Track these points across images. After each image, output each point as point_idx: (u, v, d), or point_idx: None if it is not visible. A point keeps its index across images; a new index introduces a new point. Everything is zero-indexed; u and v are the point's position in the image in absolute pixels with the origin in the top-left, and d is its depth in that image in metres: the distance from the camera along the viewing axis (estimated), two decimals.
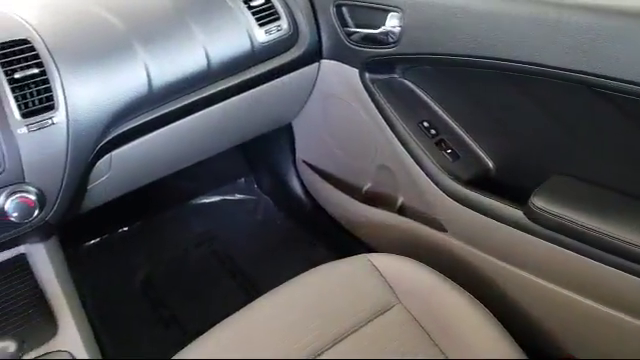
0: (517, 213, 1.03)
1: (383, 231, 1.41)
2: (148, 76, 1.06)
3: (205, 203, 1.86)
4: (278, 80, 1.29)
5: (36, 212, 0.93)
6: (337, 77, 1.33)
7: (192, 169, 1.45)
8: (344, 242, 1.59)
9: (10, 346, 0.79)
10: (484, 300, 0.98)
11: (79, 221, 1.27)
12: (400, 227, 1.35)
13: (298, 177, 1.73)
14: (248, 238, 1.75)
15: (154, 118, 1.11)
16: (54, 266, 1.08)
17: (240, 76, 1.21)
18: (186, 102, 1.14)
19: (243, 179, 1.92)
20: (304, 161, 1.66)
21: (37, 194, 0.93)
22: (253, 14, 1.21)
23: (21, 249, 1.09)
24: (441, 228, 1.24)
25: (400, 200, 1.37)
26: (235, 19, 1.19)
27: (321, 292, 1.01)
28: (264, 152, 1.80)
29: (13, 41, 0.94)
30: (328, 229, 1.65)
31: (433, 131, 1.21)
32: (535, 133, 1.09)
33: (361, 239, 1.55)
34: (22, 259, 1.09)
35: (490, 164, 1.21)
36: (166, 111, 1.12)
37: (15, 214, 0.91)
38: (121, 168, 1.13)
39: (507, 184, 1.18)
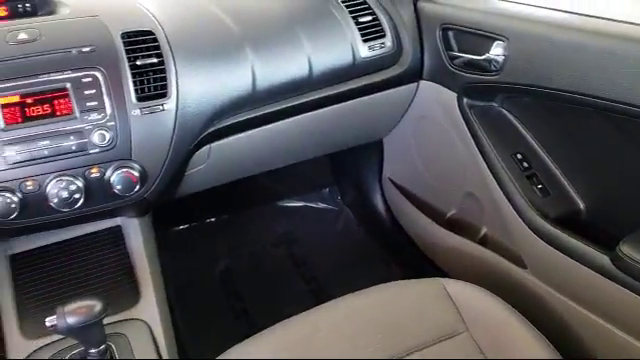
0: (603, 258, 0.98)
1: (461, 259, 1.39)
2: (253, 77, 1.12)
3: (288, 206, 1.92)
4: (375, 95, 1.32)
5: (137, 187, 1.01)
6: (434, 99, 1.34)
7: (281, 172, 1.50)
8: (419, 264, 1.58)
9: (96, 306, 0.86)
10: (557, 343, 0.94)
11: (172, 206, 1.35)
12: (479, 257, 1.32)
13: (382, 194, 1.74)
14: (325, 247, 1.78)
15: (253, 117, 1.17)
16: (145, 241, 1.16)
17: (338, 87, 1.25)
18: (284, 106, 1.19)
19: (327, 189, 1.96)
20: (390, 179, 1.67)
21: (140, 171, 1.01)
22: (359, 29, 1.25)
23: (117, 221, 1.18)
24: (521, 264, 1.20)
25: (483, 230, 1.34)
26: (341, 33, 1.23)
27: (389, 307, 1.01)
28: (352, 165, 1.83)
29: (139, 31, 1.03)
30: (405, 249, 1.64)
31: (526, 164, 1.18)
32: (632, 177, 1.04)
33: (437, 263, 1.53)
34: (117, 230, 1.18)
35: (581, 204, 1.16)
36: (265, 112, 1.18)
37: (119, 186, 0.99)
38: (218, 160, 1.19)
39: (596, 227, 1.12)
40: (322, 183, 1.97)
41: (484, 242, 1.34)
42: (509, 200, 1.18)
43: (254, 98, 1.13)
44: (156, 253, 1.20)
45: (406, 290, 1.06)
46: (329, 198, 1.95)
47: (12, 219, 0.94)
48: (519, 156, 1.19)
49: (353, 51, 1.23)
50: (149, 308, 1.06)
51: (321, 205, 1.94)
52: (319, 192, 1.96)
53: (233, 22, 1.14)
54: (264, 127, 1.20)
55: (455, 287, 1.03)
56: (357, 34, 1.24)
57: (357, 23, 1.25)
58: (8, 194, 0.93)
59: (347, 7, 1.26)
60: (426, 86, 1.34)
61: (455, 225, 1.44)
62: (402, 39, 1.30)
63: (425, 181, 1.52)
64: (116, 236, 1.17)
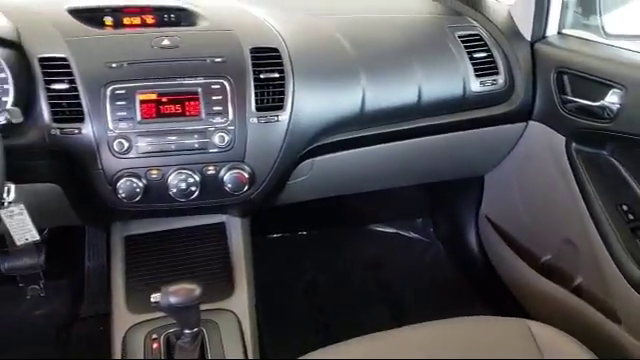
0: None
1: (551, 304, 1.35)
2: (363, 100, 1.18)
3: (380, 231, 1.95)
4: (481, 130, 1.33)
5: (245, 187, 1.09)
6: (542, 141, 1.32)
7: (376, 196, 1.54)
8: (505, 304, 1.55)
9: (196, 290, 0.93)
10: None
11: (269, 214, 1.43)
12: (570, 305, 1.28)
13: (477, 231, 1.72)
14: (411, 275, 1.79)
15: (358, 137, 1.22)
16: (244, 241, 1.25)
17: (445, 118, 1.28)
18: (390, 130, 1.24)
19: (421, 219, 1.97)
20: (487, 217, 1.66)
21: (250, 173, 1.09)
22: (473, 64, 1.27)
23: (222, 218, 1.28)
24: (615, 318, 1.15)
25: (578, 279, 1.30)
26: (455, 66, 1.27)
27: (470, 339, 1.01)
28: (449, 199, 1.83)
29: (266, 48, 1.13)
30: (493, 287, 1.61)
31: (631, 216, 1.14)
32: None
33: (524, 306, 1.49)
34: (221, 227, 1.27)
35: None
36: (370, 133, 1.23)
37: (230, 185, 1.08)
38: (319, 174, 1.26)
39: None
40: (416, 213, 1.98)
41: (577, 291, 1.29)
42: (609, 251, 1.14)
43: (362, 119, 1.19)
44: (251, 254, 1.27)
45: (489, 326, 1.05)
46: (421, 229, 1.96)
47: (135, 202, 1.06)
48: (625, 207, 1.15)
49: (464, 84, 1.26)
50: (240, 302, 1.13)
51: (412, 235, 1.95)
52: (412, 221, 1.97)
53: (351, 46, 1.21)
54: (367, 148, 1.25)
55: (541, 330, 1.01)
56: (470, 69, 1.27)
57: (471, 58, 1.28)
58: (135, 179, 1.04)
59: (463, 42, 1.29)
60: (535, 127, 1.33)
61: (549, 270, 1.40)
62: (515, 78, 1.30)
63: (523, 223, 1.49)
64: (219, 232, 1.26)
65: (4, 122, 0.89)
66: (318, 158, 1.22)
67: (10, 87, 1.01)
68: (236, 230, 1.26)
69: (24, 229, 1.03)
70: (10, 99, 1.01)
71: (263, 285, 1.38)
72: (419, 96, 1.22)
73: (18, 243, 1.03)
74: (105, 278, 1.62)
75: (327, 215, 1.85)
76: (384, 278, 1.77)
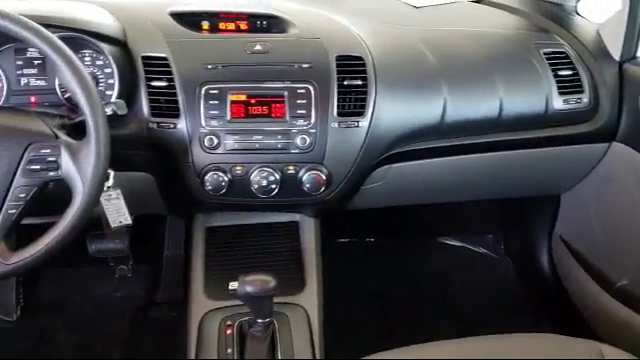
0: None
1: (624, 330, 1.31)
2: (444, 111, 1.20)
3: (449, 244, 1.95)
4: (561, 149, 1.31)
5: (322, 188, 1.14)
6: (625, 163, 1.29)
7: (448, 208, 1.54)
8: (575, 328, 1.51)
9: (271, 282, 0.99)
10: None
11: (340, 218, 1.47)
12: None
13: (549, 251, 1.69)
14: (479, 291, 1.78)
15: (435, 147, 1.24)
16: (316, 240, 1.29)
17: (525, 134, 1.27)
18: (468, 142, 1.25)
19: (492, 235, 1.95)
20: (561, 237, 1.62)
21: (327, 175, 1.14)
22: (557, 82, 1.26)
23: (296, 217, 1.33)
24: None
25: None
26: (538, 82, 1.26)
27: (536, 355, 1.00)
28: (522, 216, 1.81)
29: (352, 56, 1.17)
30: (563, 310, 1.58)
31: None
32: None
33: (596, 331, 1.45)
34: (295, 225, 1.32)
35: None
36: (447, 144, 1.25)
37: (308, 185, 1.13)
38: (393, 181, 1.29)
39: None
40: (487, 229, 1.96)
41: None
42: None
43: (440, 130, 1.21)
44: (322, 253, 1.32)
45: (559, 344, 1.03)
46: (491, 245, 1.94)
47: (220, 195, 1.13)
48: None
49: (547, 101, 1.25)
50: (310, 298, 1.17)
51: (482, 250, 1.93)
52: (482, 237, 1.96)
53: (434, 57, 1.23)
54: (444, 158, 1.27)
55: (613, 354, 0.99)
56: (554, 86, 1.26)
57: (556, 75, 1.27)
58: (221, 173, 1.11)
59: (548, 59, 1.29)
60: (618, 148, 1.30)
61: (625, 295, 1.35)
62: (600, 97, 1.28)
63: (599, 245, 1.46)
64: (293, 230, 1.31)
65: (110, 113, 0.97)
66: (394, 165, 1.25)
67: (115, 82, 1.11)
68: (309, 229, 1.31)
69: (119, 213, 1.11)
70: (115, 93, 1.11)
71: (330, 287, 1.42)
72: (500, 110, 1.23)
73: (112, 225, 1.12)
74: (181, 267, 1.72)
75: (397, 224, 1.87)
76: (450, 290, 1.76)
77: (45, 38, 0.88)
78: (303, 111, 1.12)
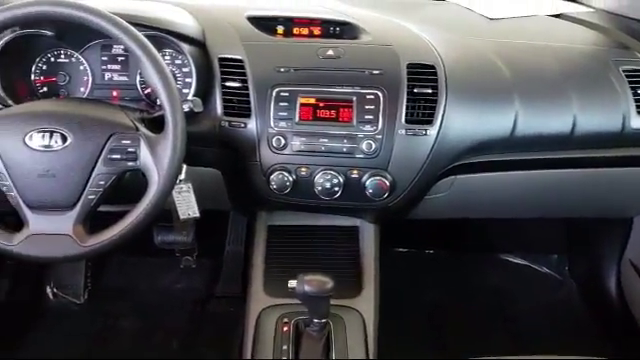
0: None
1: None
2: (514, 124, 1.18)
3: (511, 262, 1.90)
4: (636, 170, 1.26)
5: (385, 195, 1.14)
6: None
7: (512, 223, 1.51)
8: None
9: (329, 283, 1.00)
10: None
11: (400, 226, 1.46)
12: None
13: (617, 275, 1.62)
14: (539, 311, 1.73)
15: (503, 160, 1.23)
16: (375, 246, 1.30)
17: (598, 152, 1.23)
18: (536, 157, 1.23)
19: (556, 255, 1.89)
20: (632, 262, 1.55)
21: (391, 182, 1.14)
22: (636, 100, 1.21)
23: (357, 222, 1.33)
24: None
25: None
26: (615, 100, 1.22)
27: None
28: (590, 237, 1.74)
29: (423, 64, 1.17)
30: (630, 337, 1.51)
31: None
32: None
33: None
34: (355, 230, 1.33)
35: None
36: (516, 158, 1.23)
37: (371, 190, 1.14)
38: (458, 192, 1.27)
39: None
40: (552, 248, 1.90)
41: None
42: None
43: (510, 143, 1.19)
44: (379, 260, 1.32)
45: None
46: (555, 265, 1.88)
47: (284, 194, 1.15)
48: None
49: (624, 120, 1.20)
50: (367, 303, 1.18)
51: (545, 270, 1.88)
52: (546, 256, 1.90)
53: (507, 69, 1.22)
54: (512, 173, 1.25)
55: None
56: (632, 105, 1.21)
57: (635, 94, 1.22)
58: (286, 173, 1.14)
59: (628, 76, 1.24)
60: None
61: None
62: None
63: None
64: (352, 234, 1.32)
65: (187, 110, 1.02)
66: (460, 176, 1.24)
67: (193, 81, 1.16)
68: (368, 235, 1.31)
69: (188, 205, 1.16)
70: (191, 92, 1.15)
71: (385, 294, 1.42)
72: (573, 127, 1.19)
73: (181, 217, 1.17)
74: (241, 263, 1.76)
75: (458, 237, 1.85)
76: (509, 308, 1.72)
77: (132, 36, 0.93)
78: (371, 117, 1.13)
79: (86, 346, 1.63)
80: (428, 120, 1.14)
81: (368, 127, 1.13)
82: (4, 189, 0.94)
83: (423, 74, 1.16)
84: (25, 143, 0.93)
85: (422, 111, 1.14)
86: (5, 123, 0.94)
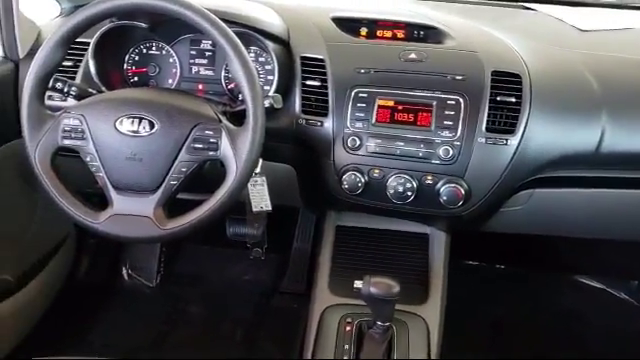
0: None
1: None
2: (600, 140, 1.13)
3: (586, 284, 1.81)
4: None
5: (459, 203, 1.12)
6: None
7: (590, 243, 1.44)
8: None
9: (395, 287, 0.99)
10: None
11: (472, 238, 1.43)
12: None
13: None
14: (613, 338, 1.64)
15: (586, 177, 1.17)
16: (444, 256, 1.28)
17: None
18: (621, 175, 1.17)
19: (637, 282, 1.78)
20: None
21: (467, 190, 1.12)
22: None
23: (427, 230, 1.32)
24: None
25: None
26: None
27: None
28: None
29: (508, 73, 1.14)
30: None
31: None
32: None
33: None
34: (424, 237, 1.32)
35: None
36: (598, 175, 1.17)
37: (445, 197, 1.12)
38: (535, 207, 1.23)
39: None
40: (632, 274, 1.80)
41: None
42: None
43: (594, 159, 1.14)
44: (447, 269, 1.29)
45: None
46: (635, 292, 1.78)
47: (355, 195, 1.16)
48: None
49: None
50: (433, 312, 1.16)
51: (623, 295, 1.78)
52: (626, 282, 1.80)
53: (597, 83, 1.16)
54: (594, 190, 1.19)
55: None
56: None
57: None
58: (359, 174, 1.14)
59: None
60: None
61: None
62: None
63: None
64: (422, 242, 1.31)
65: (267, 106, 1.04)
66: (538, 190, 1.20)
67: (275, 78, 1.18)
68: (439, 244, 1.30)
69: (262, 198, 1.18)
70: (273, 88, 1.18)
71: (450, 306, 1.39)
72: None
73: (254, 210, 1.20)
74: (307, 261, 1.78)
75: (531, 253, 1.78)
76: (580, 332, 1.64)
77: (222, 31, 0.97)
78: (450, 122, 1.11)
79: (155, 328, 1.70)
80: (510, 130, 1.11)
81: (447, 133, 1.11)
82: (93, 169, 1.00)
83: (508, 82, 1.13)
84: (116, 127, 0.98)
85: (504, 120, 1.11)
86: (99, 108, 1.00)
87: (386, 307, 1.02)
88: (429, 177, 1.13)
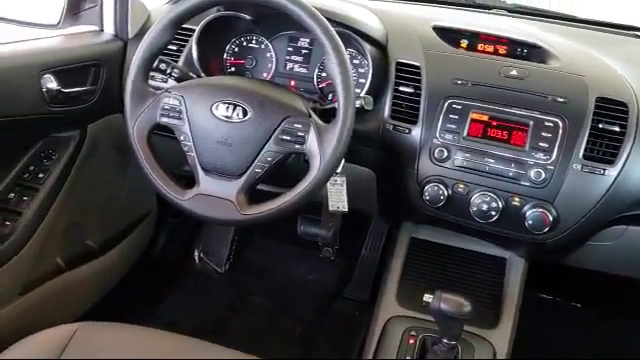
0: None
1: None
2: None
3: None
4: None
5: (545, 230, 1.07)
6: None
7: None
8: None
9: (467, 306, 0.96)
10: None
11: (551, 269, 1.36)
12: None
13: None
14: None
15: None
16: (520, 284, 1.22)
17: None
18: None
19: None
20: None
21: (554, 217, 1.06)
22: None
23: (506, 254, 1.27)
24: None
25: None
26: None
27: None
28: None
29: (614, 100, 1.08)
30: None
31: None
32: None
33: None
34: (502, 262, 1.27)
35: None
36: None
37: (530, 222, 1.07)
38: (627, 245, 1.16)
39: None
40: None
41: None
42: None
43: None
44: (522, 298, 1.24)
45: None
46: None
47: (435, 207, 1.13)
48: None
49: None
50: (502, 339, 1.12)
51: None
52: None
53: None
54: None
55: None
56: None
57: None
58: (442, 187, 1.11)
59: None
60: None
61: None
62: None
63: None
64: (498, 266, 1.26)
65: (358, 106, 1.04)
66: (632, 228, 1.12)
67: (367, 81, 1.18)
68: (516, 270, 1.25)
69: (339, 199, 1.18)
70: (364, 90, 1.17)
71: (522, 338, 1.33)
72: None
73: (330, 209, 1.19)
74: (374, 270, 1.76)
75: (614, 295, 1.67)
76: None
77: (325, 28, 0.97)
78: (546, 145, 1.07)
79: (219, 313, 1.73)
80: (609, 160, 1.04)
81: (540, 155, 1.07)
82: (185, 149, 1.03)
83: (613, 110, 1.07)
84: (211, 111, 1.01)
85: (604, 149, 1.05)
86: (198, 91, 1.04)
87: (454, 325, 0.99)
88: (516, 198, 1.08)
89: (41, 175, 1.28)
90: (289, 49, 1.31)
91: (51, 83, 1.20)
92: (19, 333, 0.98)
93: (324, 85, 1.28)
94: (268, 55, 1.31)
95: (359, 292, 1.78)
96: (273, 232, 1.94)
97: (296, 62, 1.30)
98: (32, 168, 1.28)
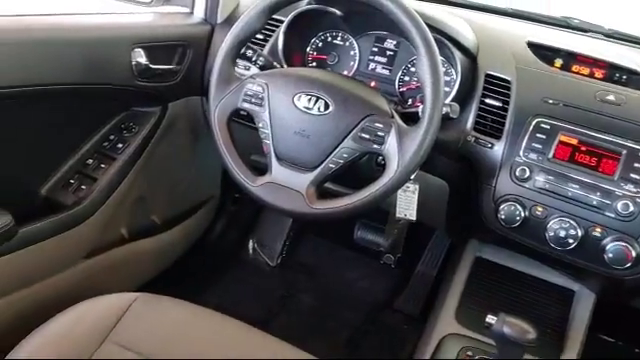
0: None
1: None
2: None
3: None
4: None
5: (626, 265, 1.01)
6: None
7: None
8: None
9: (531, 334, 0.90)
10: None
11: (615, 311, 1.28)
12: None
13: None
14: None
15: None
16: (588, 318, 1.16)
17: None
18: None
19: None
20: None
21: (638, 254, 1.00)
22: None
23: (575, 286, 1.21)
24: None
25: None
26: None
27: None
28: None
29: None
30: None
31: None
32: None
33: None
34: (570, 293, 1.22)
35: None
36: None
37: (610, 255, 1.01)
38: None
39: None
40: None
41: None
42: None
43: None
44: (586, 335, 1.17)
45: None
46: None
47: (509, 228, 1.08)
48: None
49: None
50: None
51: None
52: None
53: None
54: None
55: None
56: None
57: None
58: (519, 206, 1.07)
59: None
60: None
61: None
62: None
63: None
64: (566, 297, 1.21)
65: (443, 113, 1.01)
66: None
67: (453, 90, 1.14)
68: (585, 305, 1.19)
69: (408, 206, 1.15)
70: (449, 98, 1.14)
71: None
72: None
73: (397, 215, 1.17)
74: (427, 286, 1.72)
75: None
76: None
77: (421, 30, 0.95)
78: (637, 176, 1.01)
79: (266, 306, 1.73)
80: None
81: (631, 187, 1.01)
82: (262, 136, 1.03)
83: None
84: (293, 101, 1.00)
85: None
86: (282, 80, 1.03)
87: (515, 351, 0.94)
88: (598, 229, 1.03)
89: (120, 145, 1.31)
90: (374, 49, 1.29)
91: (141, 58, 1.23)
92: (80, 295, 1.00)
93: (405, 89, 1.25)
94: (352, 53, 1.30)
95: (410, 306, 1.74)
96: (329, 234, 1.92)
97: (379, 63, 1.29)
98: (112, 137, 1.32)
